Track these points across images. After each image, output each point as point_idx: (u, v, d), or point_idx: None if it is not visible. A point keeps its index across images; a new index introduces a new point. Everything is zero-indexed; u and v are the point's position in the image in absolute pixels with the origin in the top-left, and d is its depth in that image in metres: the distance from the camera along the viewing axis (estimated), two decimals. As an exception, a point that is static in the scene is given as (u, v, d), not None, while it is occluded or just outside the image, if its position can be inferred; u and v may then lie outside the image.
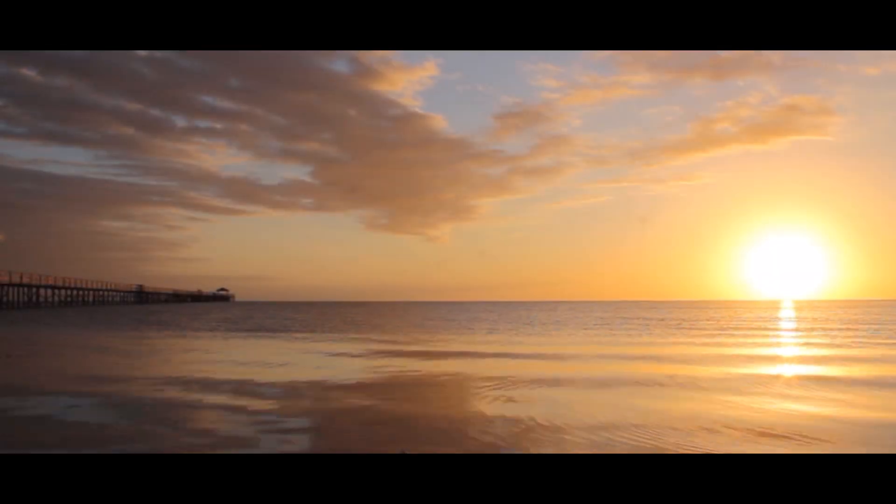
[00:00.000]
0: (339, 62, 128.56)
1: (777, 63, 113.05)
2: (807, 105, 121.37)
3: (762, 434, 6.14)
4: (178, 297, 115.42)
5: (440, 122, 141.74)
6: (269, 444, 5.67)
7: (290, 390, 9.19)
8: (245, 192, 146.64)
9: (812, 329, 27.44)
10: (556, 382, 10.05)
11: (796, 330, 27.49)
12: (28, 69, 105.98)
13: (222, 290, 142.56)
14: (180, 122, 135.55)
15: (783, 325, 32.71)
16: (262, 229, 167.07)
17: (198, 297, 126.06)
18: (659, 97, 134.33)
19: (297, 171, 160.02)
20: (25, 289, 65.06)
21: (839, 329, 26.81)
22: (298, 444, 5.73)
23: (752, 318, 40.87)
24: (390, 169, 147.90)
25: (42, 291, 68.94)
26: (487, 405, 7.81)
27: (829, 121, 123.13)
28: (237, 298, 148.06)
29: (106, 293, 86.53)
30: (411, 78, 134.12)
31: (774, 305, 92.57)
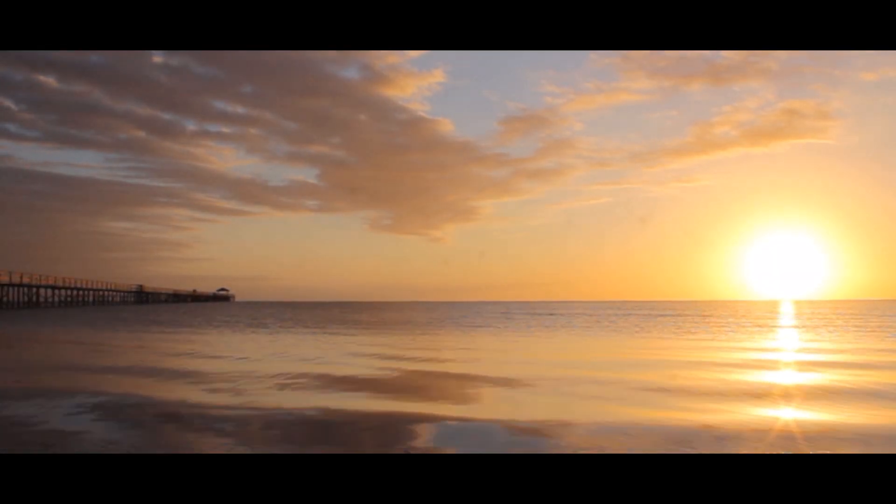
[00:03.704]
0: (350, 69, 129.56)
1: (775, 69, 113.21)
2: (805, 109, 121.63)
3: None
4: (178, 298, 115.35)
5: (447, 126, 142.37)
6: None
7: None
8: (251, 193, 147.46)
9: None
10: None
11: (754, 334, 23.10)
12: (46, 75, 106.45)
13: (222, 289, 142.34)
14: (191, 126, 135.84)
15: (757, 324, 30.01)
16: (265, 230, 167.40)
17: (196, 298, 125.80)
18: (659, 102, 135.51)
19: (304, 174, 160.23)
20: (25, 289, 65.08)
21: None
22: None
23: (730, 317, 39.68)
24: (397, 171, 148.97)
25: (42, 291, 68.96)
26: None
27: (827, 124, 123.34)
28: (238, 299, 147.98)
29: (106, 293, 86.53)
30: (420, 84, 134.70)
31: (772, 305, 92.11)
